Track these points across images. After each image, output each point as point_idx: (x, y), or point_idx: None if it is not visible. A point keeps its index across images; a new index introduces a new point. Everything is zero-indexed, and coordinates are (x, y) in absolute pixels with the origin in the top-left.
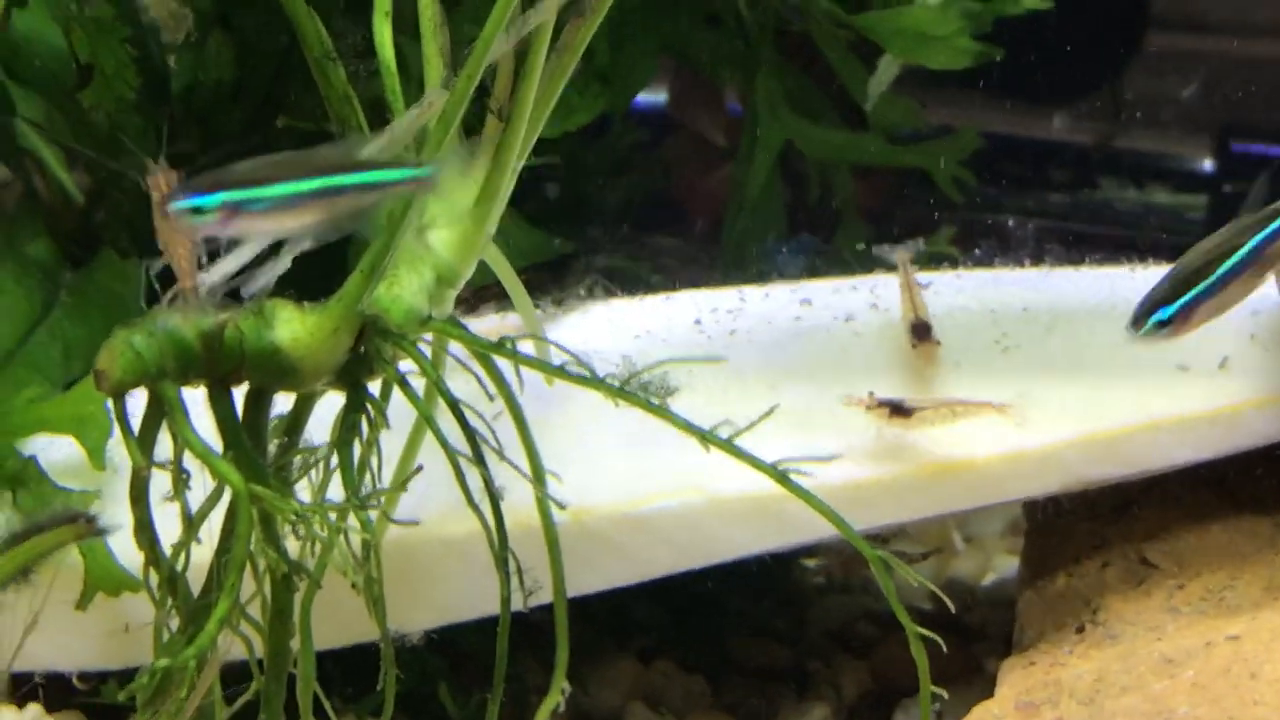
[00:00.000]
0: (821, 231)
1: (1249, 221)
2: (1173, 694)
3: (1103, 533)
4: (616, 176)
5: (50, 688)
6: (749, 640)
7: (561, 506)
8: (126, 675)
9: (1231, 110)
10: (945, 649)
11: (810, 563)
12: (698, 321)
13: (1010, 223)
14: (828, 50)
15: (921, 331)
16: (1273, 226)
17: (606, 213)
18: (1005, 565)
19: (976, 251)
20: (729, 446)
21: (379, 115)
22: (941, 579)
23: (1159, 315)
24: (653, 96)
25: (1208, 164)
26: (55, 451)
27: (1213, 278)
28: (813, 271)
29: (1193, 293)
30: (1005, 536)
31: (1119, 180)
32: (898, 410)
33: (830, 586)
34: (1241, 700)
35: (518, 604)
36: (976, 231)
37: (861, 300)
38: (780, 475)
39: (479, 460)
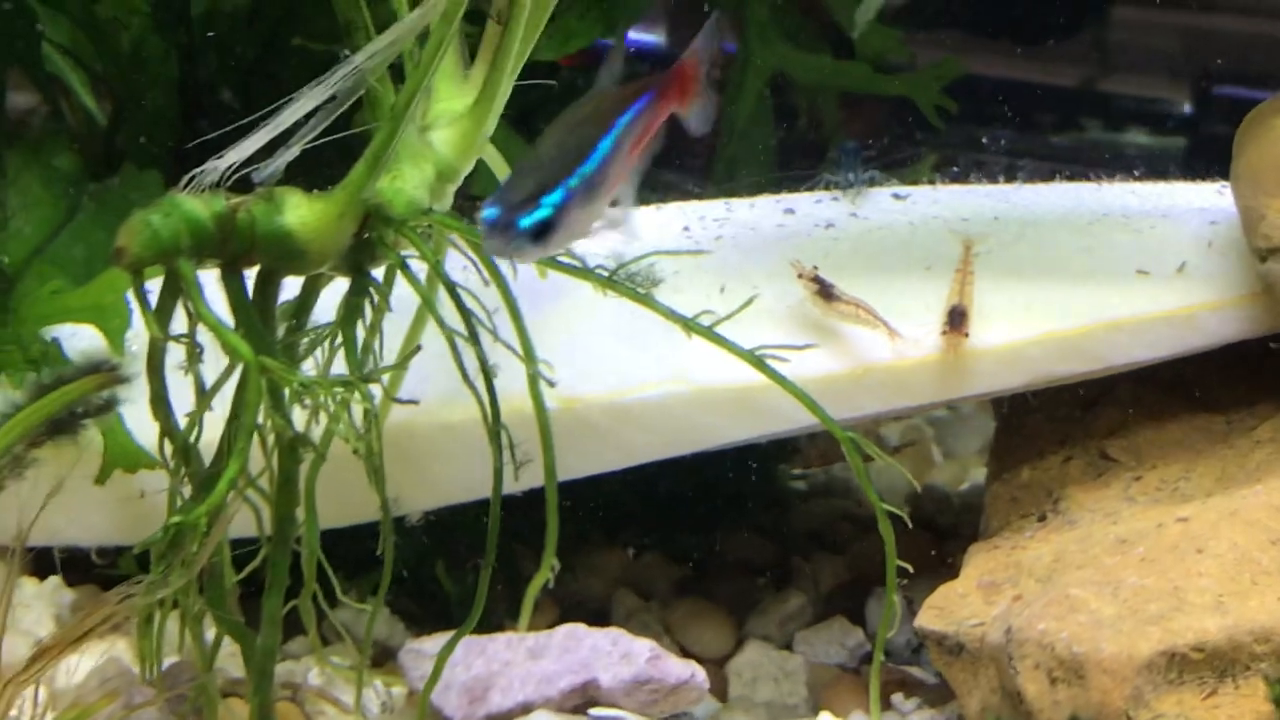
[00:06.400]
0: (811, 160)
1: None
2: (1123, 567)
3: (1065, 430)
4: None
5: (69, 563)
6: (734, 536)
7: (552, 384)
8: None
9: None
10: (917, 540)
11: (794, 470)
12: (686, 228)
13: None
14: None
15: (956, 318)
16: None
17: None
18: (980, 476)
19: (954, 169)
20: (709, 333)
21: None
22: (919, 486)
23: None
24: (654, 36)
25: (1188, 107)
26: (78, 342)
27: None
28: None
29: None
30: (981, 453)
31: (1100, 121)
32: (824, 290)
33: (813, 491)
34: (1186, 572)
35: (510, 484)
36: (958, 164)
37: (842, 210)
38: (757, 360)
39: (474, 340)
